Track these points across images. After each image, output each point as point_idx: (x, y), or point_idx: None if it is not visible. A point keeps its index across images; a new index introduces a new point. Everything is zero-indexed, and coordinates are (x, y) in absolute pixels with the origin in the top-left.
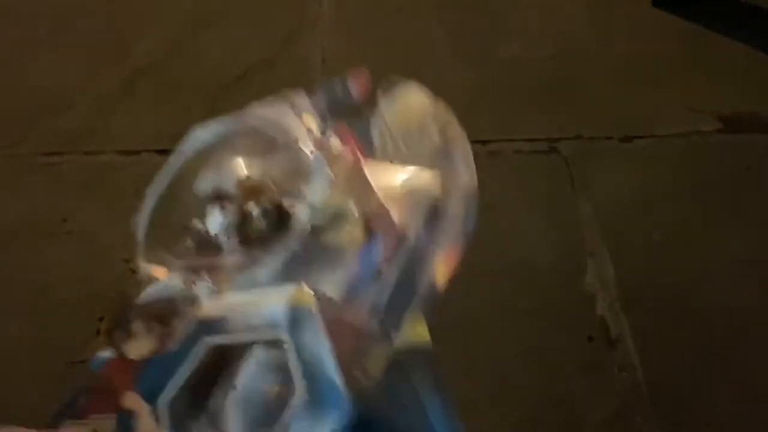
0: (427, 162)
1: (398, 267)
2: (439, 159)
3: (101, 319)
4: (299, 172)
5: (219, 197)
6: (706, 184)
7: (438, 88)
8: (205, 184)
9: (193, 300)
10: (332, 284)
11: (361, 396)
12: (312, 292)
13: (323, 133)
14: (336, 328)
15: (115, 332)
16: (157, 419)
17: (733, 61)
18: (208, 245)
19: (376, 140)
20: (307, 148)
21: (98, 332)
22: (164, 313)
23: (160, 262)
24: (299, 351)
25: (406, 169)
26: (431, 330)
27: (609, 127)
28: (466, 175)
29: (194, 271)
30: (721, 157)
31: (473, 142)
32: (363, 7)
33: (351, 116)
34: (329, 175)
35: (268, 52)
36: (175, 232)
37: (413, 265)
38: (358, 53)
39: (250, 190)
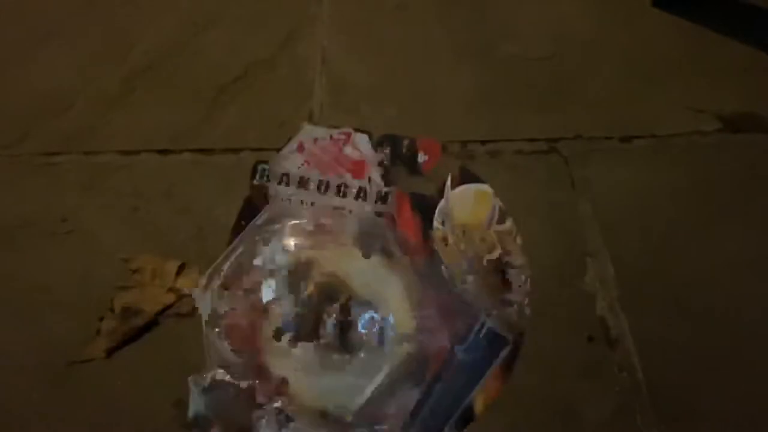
0: (482, 273)
1: (443, 381)
2: (495, 276)
3: (101, 319)
4: (373, 275)
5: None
6: (706, 184)
7: (438, 88)
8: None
9: (276, 426)
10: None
11: None
12: None
13: (385, 193)
14: None
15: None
16: None
17: (733, 61)
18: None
19: (437, 225)
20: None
21: (98, 332)
22: (243, 425)
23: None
24: None
25: (463, 279)
26: None
27: (609, 127)
28: (522, 303)
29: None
30: (721, 157)
31: (473, 142)
32: (363, 7)
33: (413, 186)
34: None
35: (268, 52)
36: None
37: (457, 383)
38: (358, 53)
39: (325, 291)
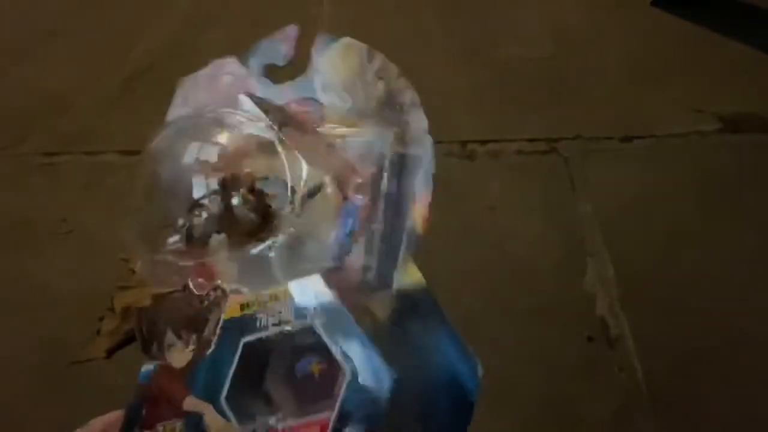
0: (376, 112)
1: (379, 219)
2: (388, 108)
3: (101, 319)
4: (265, 150)
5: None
6: (706, 184)
7: (438, 88)
8: (188, 156)
9: (215, 304)
10: (323, 252)
11: (378, 343)
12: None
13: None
14: (342, 293)
15: (151, 347)
16: (222, 414)
17: (733, 61)
18: (195, 242)
19: (322, 97)
20: (265, 122)
21: (98, 332)
22: (191, 320)
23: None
24: (329, 333)
25: (361, 124)
26: None
27: (609, 127)
28: (418, 119)
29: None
30: (721, 157)
31: (473, 141)
32: (363, 7)
33: (290, 77)
34: (299, 150)
35: None
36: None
37: (393, 214)
38: None
39: (229, 180)
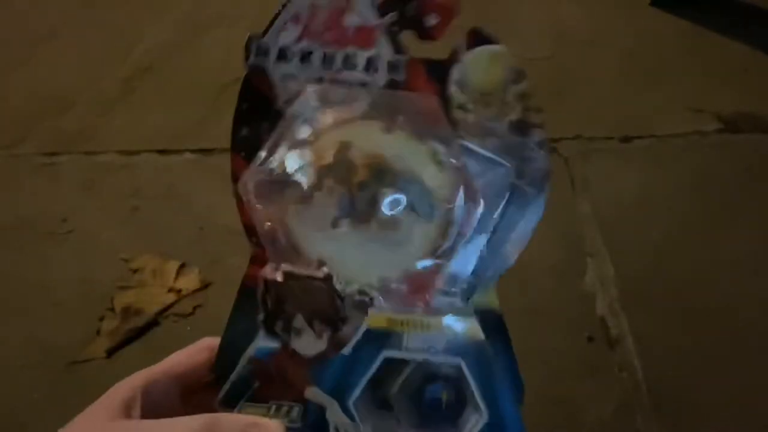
0: (502, 134)
1: (481, 234)
2: (516, 136)
3: (101, 319)
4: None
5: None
6: (706, 184)
7: None
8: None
9: (362, 308)
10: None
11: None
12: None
13: (396, 62)
14: None
15: (276, 324)
16: (348, 414)
17: (733, 61)
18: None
19: (454, 91)
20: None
21: (98, 332)
22: (329, 314)
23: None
24: (476, 378)
25: (484, 139)
26: None
27: (609, 127)
28: (541, 160)
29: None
30: (721, 157)
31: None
32: None
33: (424, 51)
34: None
35: None
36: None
37: (495, 238)
38: None
39: (372, 170)
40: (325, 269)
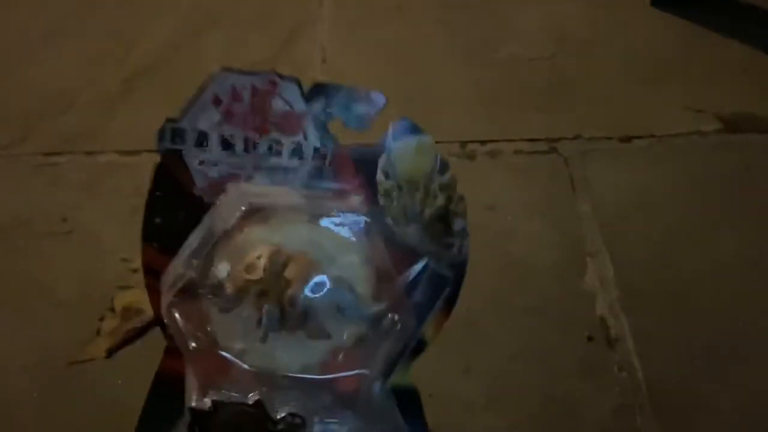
0: (426, 222)
1: (400, 328)
2: (438, 224)
3: (101, 319)
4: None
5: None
6: (706, 184)
7: (438, 88)
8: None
9: (295, 430)
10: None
11: None
12: None
13: (323, 151)
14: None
15: None
16: None
17: (733, 61)
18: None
19: (381, 179)
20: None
21: (98, 332)
22: None
23: None
24: None
25: (407, 227)
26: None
27: (609, 127)
28: (462, 248)
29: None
30: (721, 157)
31: (473, 141)
32: (363, 7)
33: (353, 139)
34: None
35: (268, 52)
36: None
37: (413, 323)
38: (358, 53)
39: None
40: (254, 395)
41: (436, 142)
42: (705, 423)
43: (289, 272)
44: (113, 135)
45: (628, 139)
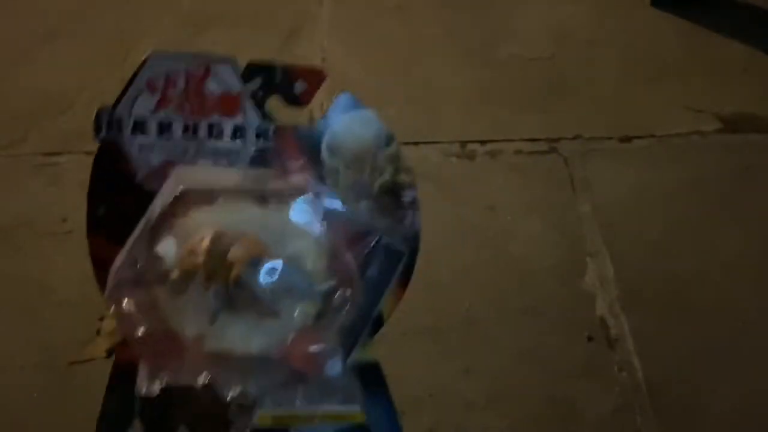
0: (375, 196)
1: (352, 303)
2: (388, 198)
3: (101, 319)
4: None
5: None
6: (706, 184)
7: (438, 88)
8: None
9: (246, 410)
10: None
11: None
12: None
13: (265, 129)
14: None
15: None
16: None
17: (733, 61)
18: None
19: (326, 157)
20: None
21: (98, 332)
22: (213, 421)
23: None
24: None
25: (357, 202)
26: (431, 330)
27: (609, 127)
28: (414, 219)
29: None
30: (721, 157)
31: (473, 141)
32: (363, 7)
33: (291, 119)
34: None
35: (268, 52)
36: None
37: (367, 300)
38: (358, 53)
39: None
40: (205, 377)
41: (437, 142)
42: (705, 423)
43: (233, 254)
44: None
45: (628, 139)
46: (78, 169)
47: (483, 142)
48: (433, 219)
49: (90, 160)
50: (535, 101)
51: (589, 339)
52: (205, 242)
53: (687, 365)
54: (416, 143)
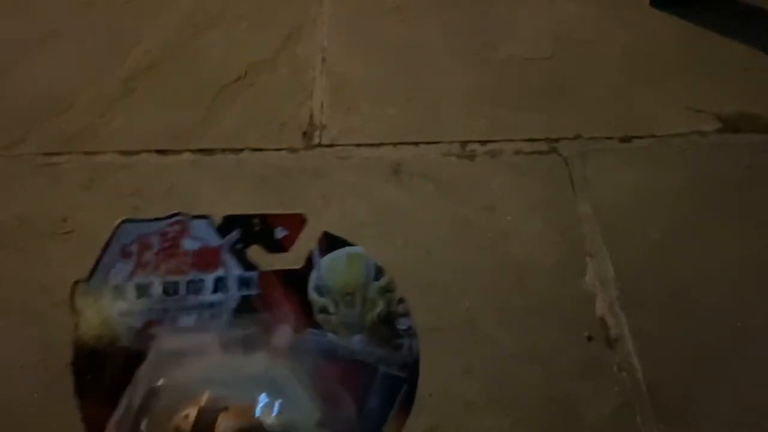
0: (371, 328)
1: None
2: (384, 328)
3: None
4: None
5: None
6: (706, 184)
7: (438, 88)
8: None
9: None
10: None
11: None
12: None
13: (248, 278)
14: None
15: None
16: None
17: (733, 61)
18: None
19: (314, 297)
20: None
21: None
22: None
23: None
24: None
25: (352, 336)
26: (432, 330)
27: (609, 127)
28: (412, 347)
29: None
30: (721, 157)
31: (473, 142)
32: (363, 7)
33: (277, 264)
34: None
35: (268, 52)
36: None
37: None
38: (358, 53)
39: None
40: None
41: (437, 142)
42: (705, 423)
43: (221, 428)
44: (113, 135)
45: (628, 139)
46: (78, 169)
47: (483, 142)
48: (433, 219)
49: (90, 159)
50: (535, 101)
51: (589, 339)
52: (191, 417)
53: (687, 365)
54: (416, 143)
